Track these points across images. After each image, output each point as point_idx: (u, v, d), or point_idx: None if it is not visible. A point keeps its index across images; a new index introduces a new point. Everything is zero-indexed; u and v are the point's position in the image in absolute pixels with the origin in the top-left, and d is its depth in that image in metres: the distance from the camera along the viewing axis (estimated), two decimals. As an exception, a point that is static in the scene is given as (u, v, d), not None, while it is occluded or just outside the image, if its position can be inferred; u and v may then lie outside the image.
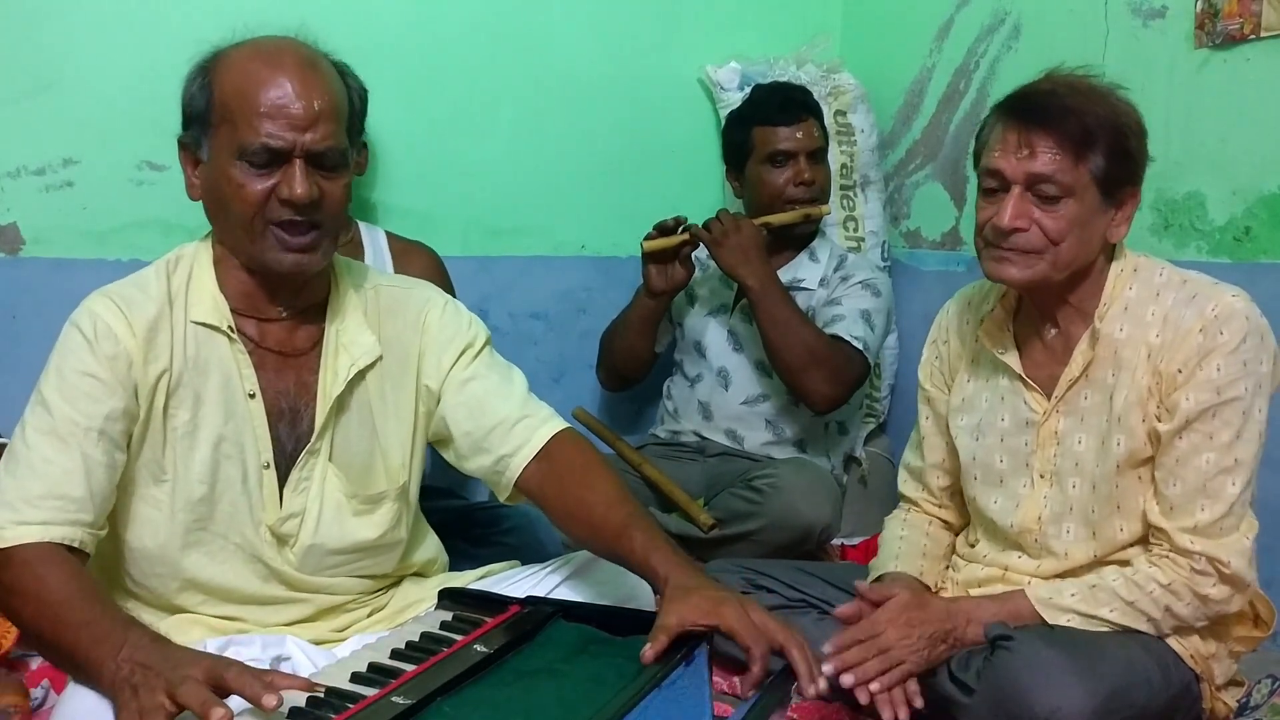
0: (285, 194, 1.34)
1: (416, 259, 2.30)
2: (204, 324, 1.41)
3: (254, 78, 1.34)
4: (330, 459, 1.47)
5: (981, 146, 1.59)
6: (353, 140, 1.45)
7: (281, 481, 1.44)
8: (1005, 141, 1.52)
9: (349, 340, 1.48)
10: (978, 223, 1.58)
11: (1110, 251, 1.60)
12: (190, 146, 1.41)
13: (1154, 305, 1.55)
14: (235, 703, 1.09)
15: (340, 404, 1.47)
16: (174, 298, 1.42)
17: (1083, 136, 1.49)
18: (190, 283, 1.43)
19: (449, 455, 1.57)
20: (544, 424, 1.51)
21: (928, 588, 1.70)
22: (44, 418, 1.33)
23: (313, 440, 1.45)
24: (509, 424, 1.50)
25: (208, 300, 1.42)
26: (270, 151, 1.33)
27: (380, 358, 1.50)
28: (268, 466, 1.43)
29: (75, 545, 1.29)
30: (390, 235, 2.34)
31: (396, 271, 2.19)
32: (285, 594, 1.46)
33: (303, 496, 1.45)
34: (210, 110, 1.37)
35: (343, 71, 1.46)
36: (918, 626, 1.53)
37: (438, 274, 2.29)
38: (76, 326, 1.37)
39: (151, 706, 1.08)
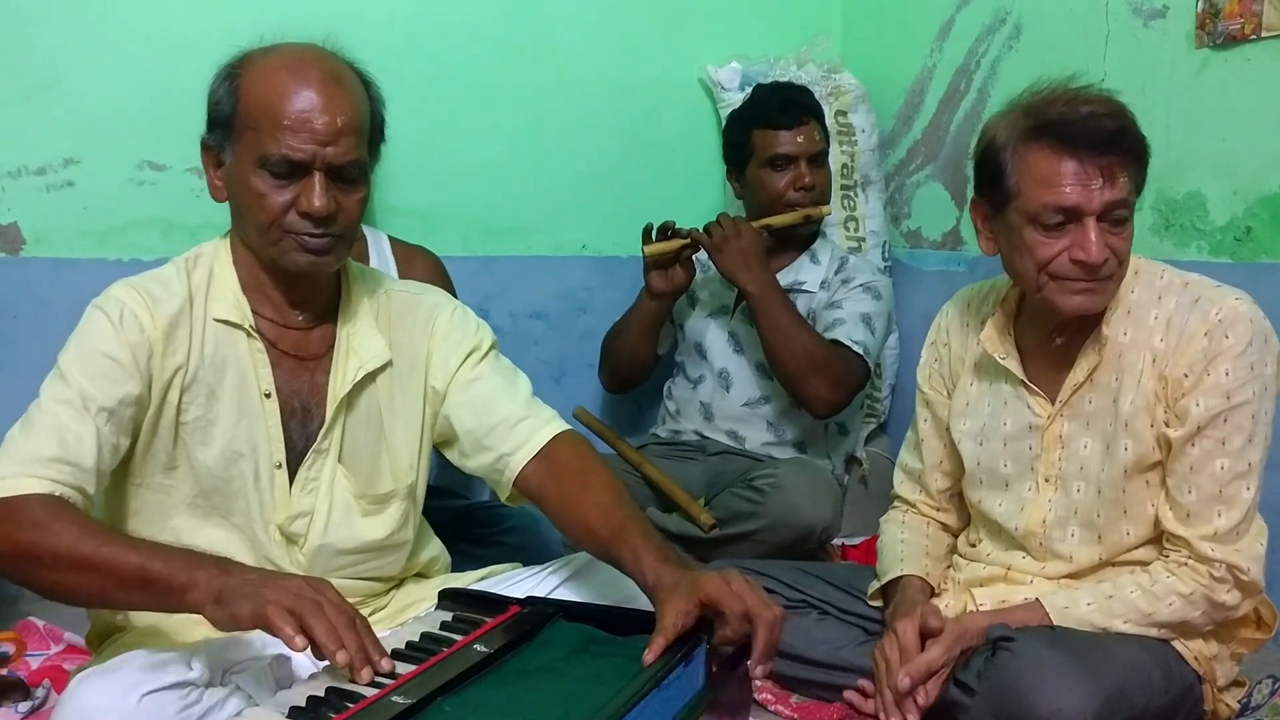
0: (304, 207, 1.36)
1: (419, 263, 2.30)
2: (225, 321, 1.43)
3: (280, 89, 1.36)
4: (340, 459, 1.48)
5: (1017, 182, 1.48)
6: (374, 150, 1.46)
7: (292, 481, 1.45)
8: (1075, 174, 1.44)
9: (359, 344, 1.50)
10: (1039, 259, 1.48)
11: None
12: (214, 148, 1.43)
13: (1156, 309, 1.54)
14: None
15: (349, 404, 1.48)
16: (194, 294, 1.44)
17: (1138, 154, 1.48)
18: (211, 280, 1.45)
19: (452, 455, 1.58)
20: (545, 425, 1.52)
21: (933, 589, 1.70)
22: (61, 388, 1.34)
23: (320, 439, 1.46)
24: (511, 423, 1.51)
25: (230, 298, 1.44)
26: (291, 163, 1.35)
27: (390, 362, 1.51)
28: (279, 466, 1.45)
29: None
30: (393, 240, 2.35)
31: (400, 275, 2.19)
32: None
33: (311, 496, 1.46)
34: (235, 116, 1.38)
35: (367, 82, 1.46)
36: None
37: (440, 277, 2.29)
38: (102, 310, 1.39)
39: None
